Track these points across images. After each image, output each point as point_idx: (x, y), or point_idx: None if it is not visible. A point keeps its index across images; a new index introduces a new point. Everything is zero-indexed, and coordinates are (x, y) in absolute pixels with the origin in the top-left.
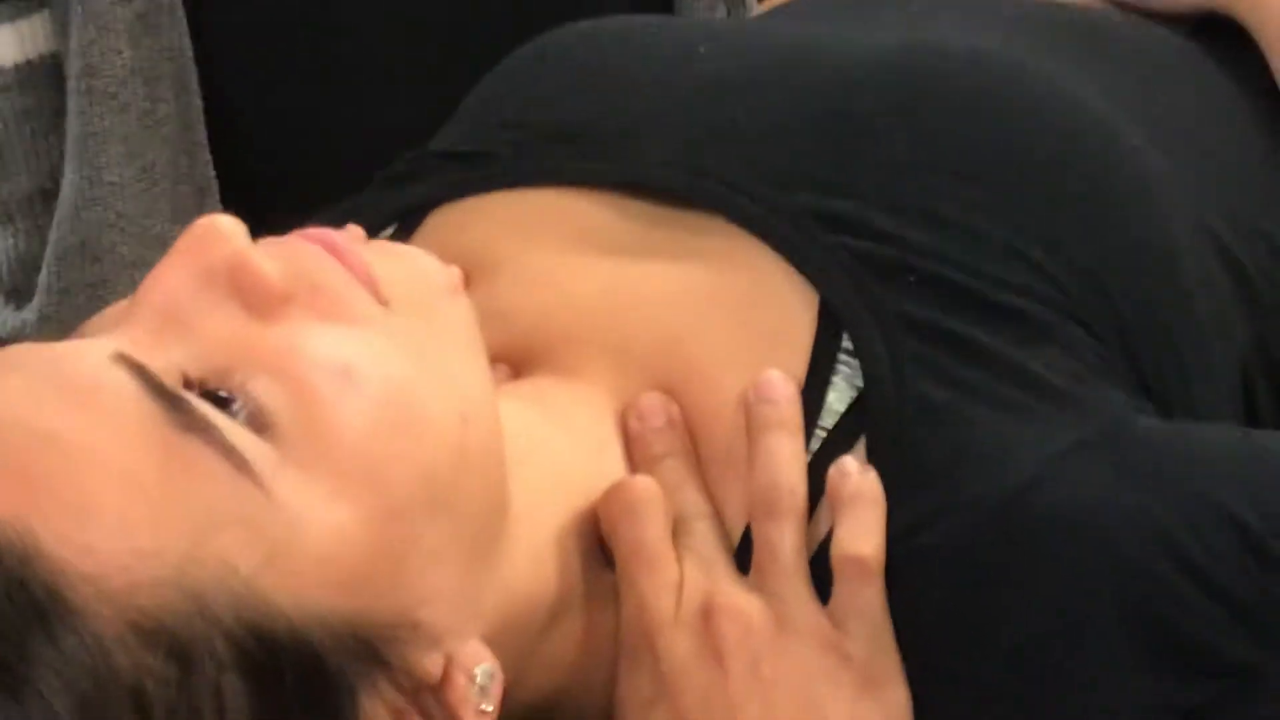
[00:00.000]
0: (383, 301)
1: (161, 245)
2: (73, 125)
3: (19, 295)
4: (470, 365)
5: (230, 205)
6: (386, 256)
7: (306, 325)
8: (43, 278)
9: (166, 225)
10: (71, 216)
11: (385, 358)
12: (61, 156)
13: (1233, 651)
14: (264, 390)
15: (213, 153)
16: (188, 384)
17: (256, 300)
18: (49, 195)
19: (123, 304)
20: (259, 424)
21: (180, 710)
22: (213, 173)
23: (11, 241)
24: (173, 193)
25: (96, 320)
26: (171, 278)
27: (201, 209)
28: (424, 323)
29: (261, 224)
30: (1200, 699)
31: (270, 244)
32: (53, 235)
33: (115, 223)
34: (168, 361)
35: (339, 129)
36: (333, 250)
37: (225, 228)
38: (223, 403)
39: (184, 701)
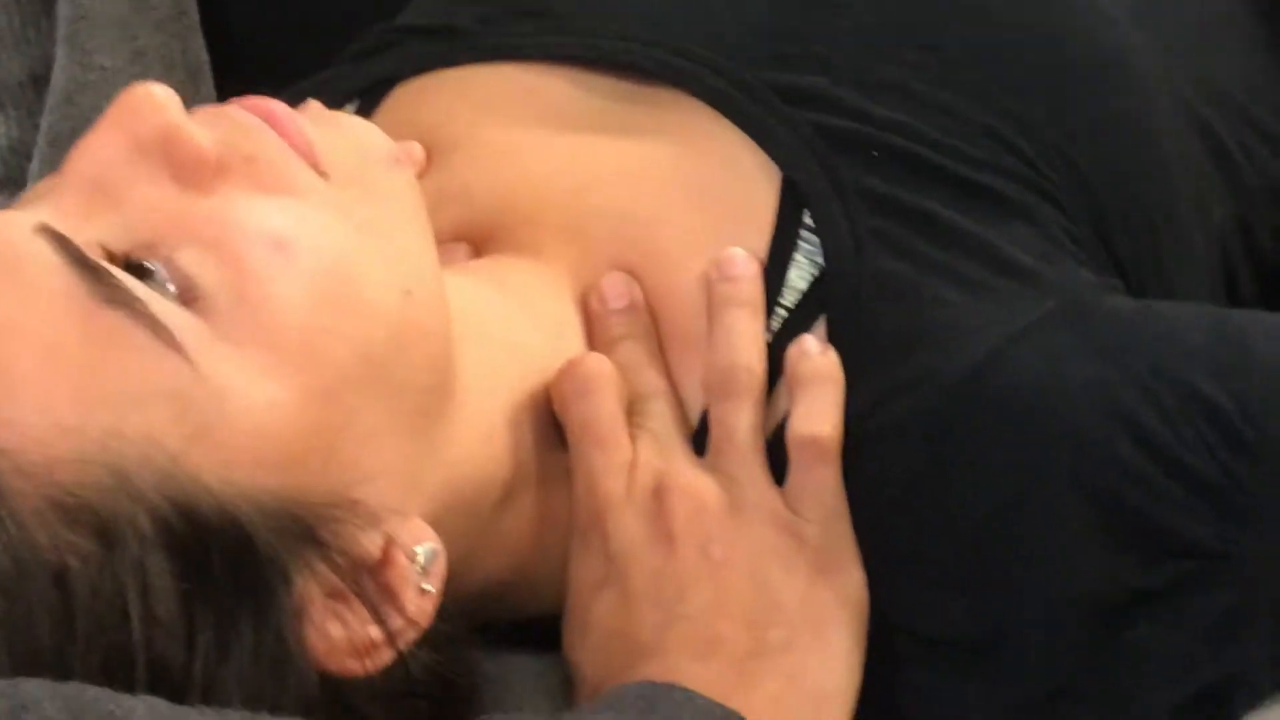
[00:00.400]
0: (322, 173)
1: None
2: (63, 9)
3: (12, 183)
4: (413, 238)
5: (224, 90)
6: (327, 126)
7: (240, 196)
8: (34, 165)
9: None
10: (64, 103)
11: (322, 230)
12: (53, 42)
13: (1196, 533)
14: (192, 262)
15: (206, 36)
16: (112, 257)
17: (188, 171)
18: (41, 81)
19: (56, 176)
20: (187, 297)
21: (103, 588)
22: (206, 56)
23: (3, 129)
24: (166, 78)
25: (30, 192)
26: (101, 147)
27: (196, 94)
28: (365, 195)
29: None
30: (1162, 580)
31: (206, 113)
32: (45, 122)
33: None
34: (94, 233)
35: (333, 11)
36: (270, 120)
37: (158, 97)
38: (149, 275)
39: (107, 579)
